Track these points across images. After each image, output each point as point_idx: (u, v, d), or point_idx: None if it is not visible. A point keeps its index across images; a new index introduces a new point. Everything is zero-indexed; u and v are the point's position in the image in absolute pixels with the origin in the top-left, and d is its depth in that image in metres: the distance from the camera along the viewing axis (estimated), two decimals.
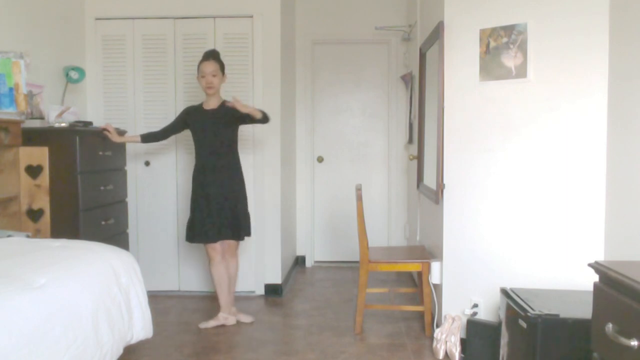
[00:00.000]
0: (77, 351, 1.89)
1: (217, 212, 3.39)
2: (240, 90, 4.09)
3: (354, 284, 4.47)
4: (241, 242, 4.08)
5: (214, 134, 3.40)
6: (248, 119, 3.45)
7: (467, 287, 2.98)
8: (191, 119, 3.47)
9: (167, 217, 4.23)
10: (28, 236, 2.79)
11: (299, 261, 5.28)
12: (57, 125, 3.21)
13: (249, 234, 3.59)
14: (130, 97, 4.21)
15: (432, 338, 3.12)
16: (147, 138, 3.59)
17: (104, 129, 3.41)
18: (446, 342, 2.96)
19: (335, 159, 5.30)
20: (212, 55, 3.43)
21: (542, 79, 2.74)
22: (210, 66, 3.38)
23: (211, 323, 3.48)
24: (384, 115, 5.23)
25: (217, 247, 3.47)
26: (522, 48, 2.74)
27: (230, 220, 3.43)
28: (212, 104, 3.44)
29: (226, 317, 3.51)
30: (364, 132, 5.27)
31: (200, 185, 3.42)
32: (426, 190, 3.52)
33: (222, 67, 3.44)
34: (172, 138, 4.10)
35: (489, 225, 2.90)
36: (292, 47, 4.91)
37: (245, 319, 3.59)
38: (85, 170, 3.22)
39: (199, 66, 3.42)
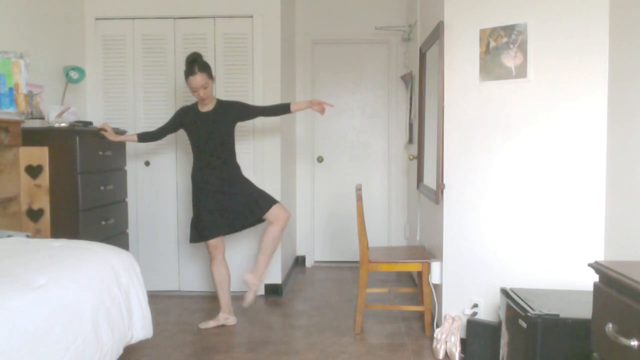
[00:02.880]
0: (77, 351, 1.89)
1: (223, 205, 3.38)
2: (240, 90, 4.09)
3: (354, 284, 4.47)
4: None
5: (210, 136, 3.37)
6: (251, 115, 3.46)
7: (467, 287, 2.98)
8: (186, 120, 3.45)
9: (167, 217, 4.23)
10: (28, 236, 2.79)
11: (299, 261, 5.27)
12: (57, 125, 3.21)
13: (273, 201, 3.43)
14: (130, 97, 4.21)
15: (432, 338, 3.12)
16: (144, 137, 3.58)
17: (101, 129, 3.40)
18: (446, 342, 2.96)
19: (335, 159, 5.30)
20: (195, 65, 3.24)
21: (542, 79, 2.74)
22: (198, 79, 3.23)
23: (211, 323, 3.48)
24: (384, 115, 5.23)
25: (219, 246, 3.46)
26: (522, 48, 2.74)
27: (242, 203, 3.39)
28: (207, 106, 3.42)
29: (226, 317, 3.51)
30: (364, 132, 5.27)
31: (200, 184, 3.41)
32: (426, 190, 3.52)
33: (209, 72, 3.31)
34: (172, 138, 4.10)
35: (489, 225, 2.90)
36: (292, 47, 4.91)
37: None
38: (85, 170, 3.22)
39: (186, 79, 3.28)
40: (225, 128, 3.41)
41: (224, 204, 3.39)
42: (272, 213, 3.40)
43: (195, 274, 4.23)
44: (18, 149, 3.01)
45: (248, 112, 3.48)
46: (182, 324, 3.56)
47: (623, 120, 2.48)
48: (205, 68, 3.29)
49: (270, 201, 3.43)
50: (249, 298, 3.47)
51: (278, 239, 3.46)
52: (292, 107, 3.46)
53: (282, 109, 3.50)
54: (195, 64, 3.26)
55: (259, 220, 3.47)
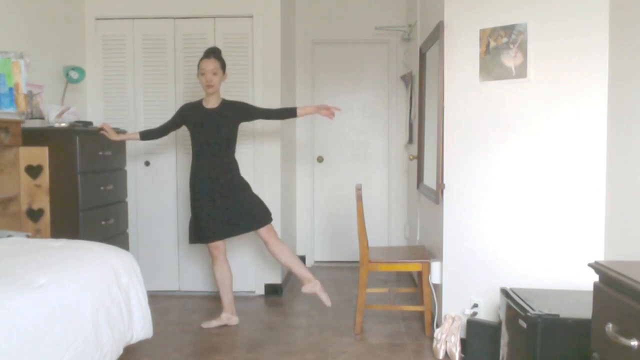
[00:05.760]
0: (77, 351, 1.89)
1: (222, 210, 3.36)
2: (240, 90, 4.10)
3: (354, 284, 4.47)
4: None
5: (213, 133, 3.35)
6: (255, 116, 3.48)
7: (467, 287, 2.98)
8: (189, 116, 3.43)
9: (167, 217, 4.23)
10: (28, 236, 2.79)
11: None
12: (57, 125, 3.21)
13: (269, 218, 3.47)
14: (130, 97, 4.21)
15: (432, 338, 3.12)
16: (146, 135, 3.56)
17: (101, 129, 3.40)
18: (446, 342, 2.96)
19: (335, 159, 5.30)
20: (212, 53, 3.38)
21: (542, 79, 2.74)
22: (211, 64, 3.33)
23: (213, 323, 3.47)
24: (384, 115, 5.23)
25: (220, 246, 3.44)
26: (522, 48, 2.74)
27: (240, 214, 3.38)
28: (212, 103, 3.40)
29: (229, 317, 3.50)
30: (364, 132, 5.27)
31: (199, 185, 3.39)
32: (426, 190, 3.52)
33: (223, 65, 3.40)
34: (172, 138, 4.11)
35: (489, 225, 2.90)
36: (292, 47, 4.91)
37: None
38: (85, 170, 3.22)
39: (199, 63, 3.37)
40: (231, 126, 3.40)
41: (223, 208, 3.37)
42: (263, 233, 3.44)
43: (195, 274, 4.23)
44: (18, 149, 3.01)
45: (253, 112, 3.47)
46: (182, 324, 3.56)
47: (623, 120, 2.48)
48: (220, 58, 3.41)
49: (264, 218, 3.45)
50: (323, 297, 3.44)
51: (286, 248, 3.49)
52: (298, 112, 3.46)
53: (288, 113, 3.50)
54: (214, 51, 3.42)
55: (250, 229, 3.47)
